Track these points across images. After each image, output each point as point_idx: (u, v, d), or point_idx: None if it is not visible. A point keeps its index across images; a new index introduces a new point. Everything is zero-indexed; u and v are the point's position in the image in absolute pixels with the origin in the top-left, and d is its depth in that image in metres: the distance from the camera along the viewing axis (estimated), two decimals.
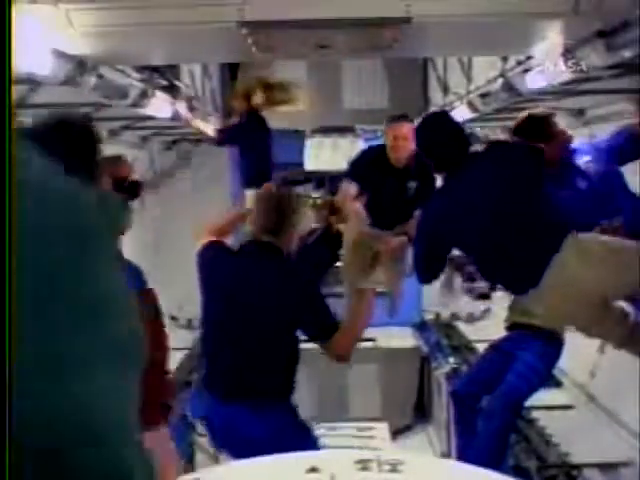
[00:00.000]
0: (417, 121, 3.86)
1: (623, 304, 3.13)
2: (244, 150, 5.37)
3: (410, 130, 4.38)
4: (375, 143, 4.98)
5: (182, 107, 4.78)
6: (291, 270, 2.93)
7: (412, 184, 4.28)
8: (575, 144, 3.59)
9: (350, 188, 4.28)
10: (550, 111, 3.51)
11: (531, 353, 3.92)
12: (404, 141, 4.22)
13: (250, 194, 5.38)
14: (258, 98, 5.24)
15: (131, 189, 4.94)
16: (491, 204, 3.03)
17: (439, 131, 3.19)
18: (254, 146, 5.29)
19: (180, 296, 6.73)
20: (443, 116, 3.52)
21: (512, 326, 4.22)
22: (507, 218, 3.03)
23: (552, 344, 4.00)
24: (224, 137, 5.36)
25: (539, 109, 3.58)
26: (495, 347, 4.24)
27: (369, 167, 4.37)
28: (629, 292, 3.03)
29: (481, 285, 4.53)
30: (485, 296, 4.63)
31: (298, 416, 2.89)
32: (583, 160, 3.43)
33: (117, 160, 4.99)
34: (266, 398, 2.76)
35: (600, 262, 2.98)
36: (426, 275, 3.36)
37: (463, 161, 3.11)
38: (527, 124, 3.44)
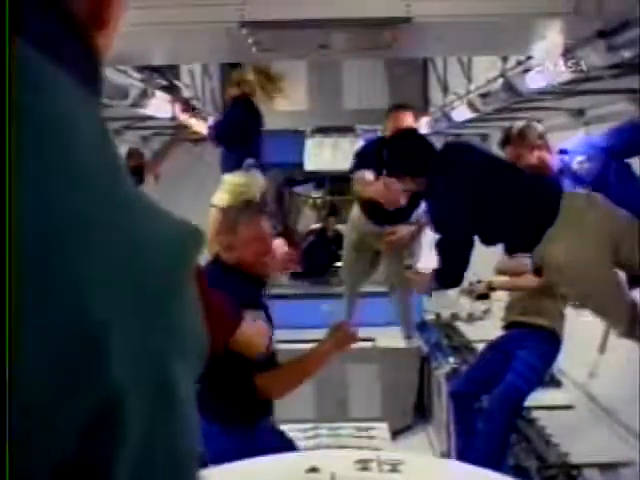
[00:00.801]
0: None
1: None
2: (232, 134, 5.15)
3: (412, 120, 4.30)
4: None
5: (176, 108, 4.75)
6: None
7: None
8: (567, 145, 3.59)
9: (366, 174, 4.20)
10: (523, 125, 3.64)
11: (530, 352, 3.93)
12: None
13: (227, 179, 5.26)
14: (250, 81, 5.17)
15: (138, 175, 5.08)
16: (479, 189, 3.23)
17: (409, 148, 3.46)
18: (242, 130, 5.11)
19: None
20: (410, 133, 3.74)
21: (510, 325, 4.24)
22: (499, 193, 3.23)
23: (550, 342, 4.01)
24: (218, 133, 5.13)
25: (518, 123, 3.67)
26: (493, 346, 4.25)
27: (372, 160, 4.29)
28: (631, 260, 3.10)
29: (480, 286, 4.50)
30: (484, 296, 4.62)
31: (274, 430, 2.83)
32: (576, 161, 3.42)
33: (132, 152, 5.16)
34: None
35: (602, 219, 3.15)
36: (451, 278, 3.41)
37: (435, 164, 3.33)
38: (505, 140, 3.61)
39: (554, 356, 4.05)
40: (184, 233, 0.47)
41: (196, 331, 0.47)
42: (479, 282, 4.53)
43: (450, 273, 3.37)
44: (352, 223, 4.97)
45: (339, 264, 7.15)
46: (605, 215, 3.17)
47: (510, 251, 3.55)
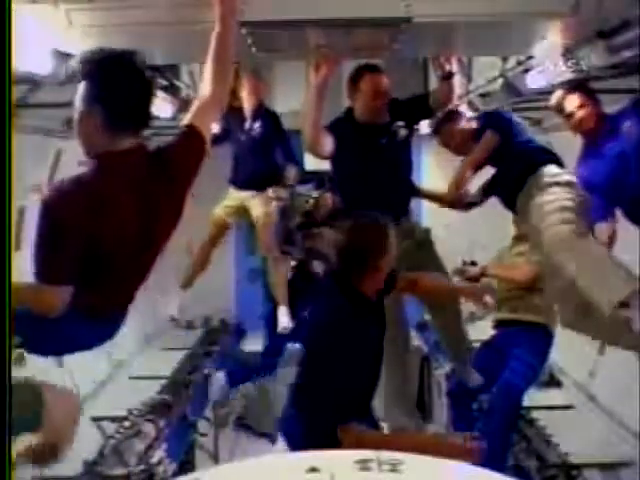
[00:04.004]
0: None
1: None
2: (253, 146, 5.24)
3: (388, 83, 3.80)
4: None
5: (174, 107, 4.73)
6: None
7: (402, 131, 3.77)
8: (618, 108, 3.45)
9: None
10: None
11: (524, 349, 3.95)
12: (384, 96, 3.70)
13: (244, 197, 5.30)
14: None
15: None
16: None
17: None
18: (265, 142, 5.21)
19: (180, 296, 6.72)
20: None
21: (500, 323, 4.24)
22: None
23: (543, 338, 4.02)
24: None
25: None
26: (487, 344, 4.26)
27: (346, 136, 3.68)
28: None
29: (473, 269, 4.43)
30: (475, 279, 4.56)
31: None
32: (625, 125, 3.27)
33: None
34: None
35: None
36: None
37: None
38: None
39: (548, 351, 4.06)
40: None
41: None
42: (473, 264, 4.48)
43: None
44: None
45: None
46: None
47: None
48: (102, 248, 2.09)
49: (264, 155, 5.27)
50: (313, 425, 2.60)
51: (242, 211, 5.44)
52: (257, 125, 5.22)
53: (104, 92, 2.06)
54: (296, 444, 2.63)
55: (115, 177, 2.10)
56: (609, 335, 3.18)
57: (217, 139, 5.16)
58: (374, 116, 3.71)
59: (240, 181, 5.37)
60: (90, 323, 2.25)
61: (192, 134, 2.27)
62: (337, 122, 3.75)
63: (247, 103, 5.21)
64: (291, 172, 5.42)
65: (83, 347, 2.45)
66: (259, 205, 5.37)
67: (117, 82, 2.07)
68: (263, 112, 5.26)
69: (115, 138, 2.10)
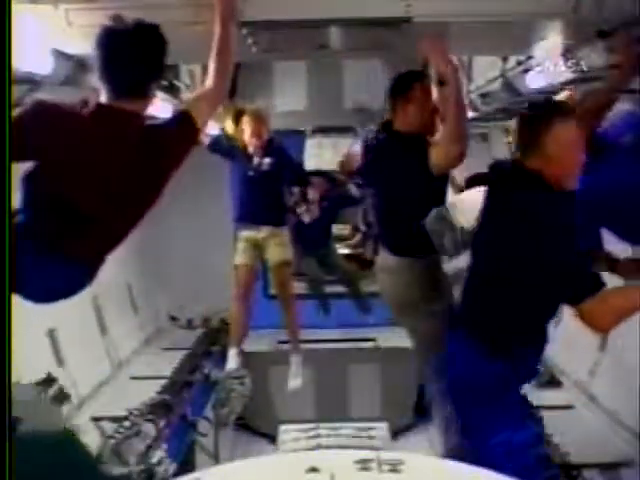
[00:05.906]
0: None
1: None
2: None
3: None
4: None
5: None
6: None
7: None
8: (616, 120, 3.34)
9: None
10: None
11: None
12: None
13: (256, 235, 5.14)
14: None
15: None
16: None
17: None
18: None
19: (180, 296, 6.73)
20: None
21: None
22: None
23: None
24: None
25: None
26: None
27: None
28: None
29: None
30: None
31: None
32: (625, 138, 3.17)
33: None
34: None
35: None
36: None
37: None
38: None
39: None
40: None
41: None
42: None
43: None
44: (387, 276, 3.58)
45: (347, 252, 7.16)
46: None
47: None
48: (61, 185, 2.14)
49: (276, 188, 5.18)
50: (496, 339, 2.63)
51: (257, 249, 5.18)
52: (267, 161, 5.11)
53: (102, 57, 2.18)
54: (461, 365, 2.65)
55: (102, 128, 2.15)
56: None
57: (212, 146, 5.15)
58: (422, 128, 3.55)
59: (251, 217, 5.12)
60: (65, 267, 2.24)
61: (185, 120, 2.32)
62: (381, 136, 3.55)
63: (251, 145, 5.07)
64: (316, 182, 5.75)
65: (60, 294, 2.40)
66: (275, 245, 5.15)
67: (114, 48, 2.18)
68: (271, 148, 5.15)
69: (115, 100, 2.19)
